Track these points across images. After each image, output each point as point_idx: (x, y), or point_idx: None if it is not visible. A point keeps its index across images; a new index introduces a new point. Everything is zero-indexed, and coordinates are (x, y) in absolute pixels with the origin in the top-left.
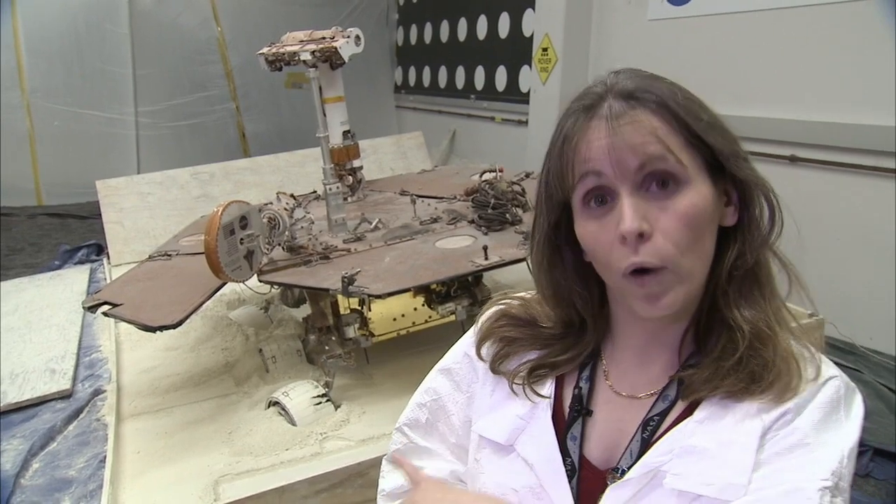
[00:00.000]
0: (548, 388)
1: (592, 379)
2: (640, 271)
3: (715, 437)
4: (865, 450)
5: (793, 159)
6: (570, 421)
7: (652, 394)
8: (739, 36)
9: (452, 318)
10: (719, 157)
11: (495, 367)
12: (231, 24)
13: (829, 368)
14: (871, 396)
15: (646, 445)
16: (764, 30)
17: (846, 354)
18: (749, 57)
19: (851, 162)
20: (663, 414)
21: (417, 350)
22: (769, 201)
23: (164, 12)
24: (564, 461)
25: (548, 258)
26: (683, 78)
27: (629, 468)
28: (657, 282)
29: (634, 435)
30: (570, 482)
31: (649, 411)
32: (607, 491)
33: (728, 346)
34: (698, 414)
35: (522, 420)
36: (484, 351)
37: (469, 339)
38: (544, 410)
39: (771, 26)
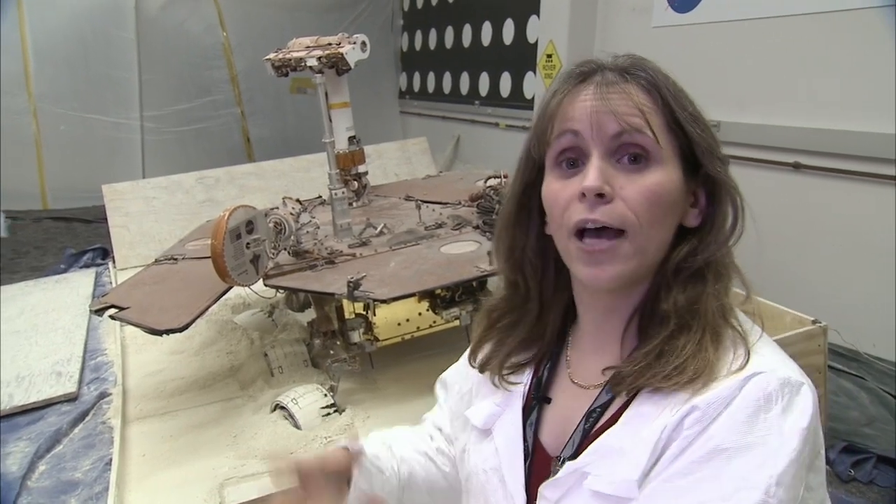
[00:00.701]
0: (525, 376)
1: (555, 366)
2: (593, 232)
3: (633, 436)
4: (869, 457)
5: (797, 166)
6: (530, 408)
7: (598, 385)
8: (743, 43)
9: (457, 322)
10: (696, 150)
11: (482, 370)
12: (237, 29)
13: (762, 362)
14: (875, 403)
15: (586, 436)
16: (767, 37)
17: (850, 361)
18: (753, 64)
19: (856, 169)
20: (605, 406)
21: (422, 355)
22: (735, 205)
23: (170, 18)
24: (525, 446)
25: (514, 215)
26: (687, 84)
27: (570, 458)
28: (608, 250)
29: (578, 425)
30: (524, 466)
31: (593, 402)
32: (540, 489)
33: (654, 335)
34: (626, 414)
35: (499, 407)
36: (478, 357)
37: None
38: (517, 398)
39: (774, 34)
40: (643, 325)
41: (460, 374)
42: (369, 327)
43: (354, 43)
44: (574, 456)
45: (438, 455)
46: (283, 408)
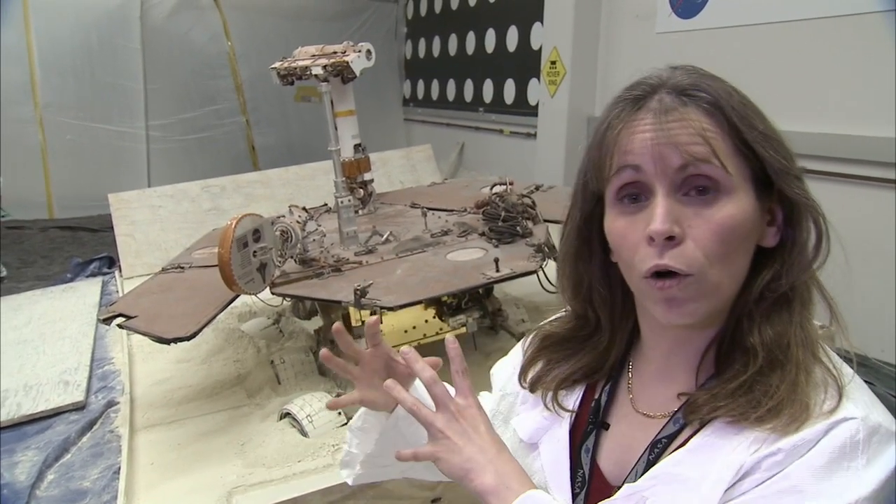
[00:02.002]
0: (574, 397)
1: (614, 391)
2: (663, 275)
3: (701, 466)
4: None
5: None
6: (586, 433)
7: (665, 415)
8: (747, 49)
9: (463, 330)
10: (769, 171)
11: (533, 389)
12: (241, 38)
13: (854, 407)
14: None
15: (650, 467)
16: (770, 42)
17: (858, 366)
18: (756, 69)
19: (860, 173)
20: (671, 437)
21: None
22: (818, 225)
23: (175, 27)
24: (577, 472)
25: (575, 249)
26: None
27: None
28: (679, 288)
29: (642, 456)
30: (580, 493)
31: (659, 433)
32: None
33: (740, 369)
34: (693, 441)
35: (546, 420)
36: (529, 375)
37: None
38: (565, 418)
39: (777, 39)
40: (721, 354)
41: (507, 375)
42: None
43: (360, 51)
44: None
45: None
46: (290, 416)
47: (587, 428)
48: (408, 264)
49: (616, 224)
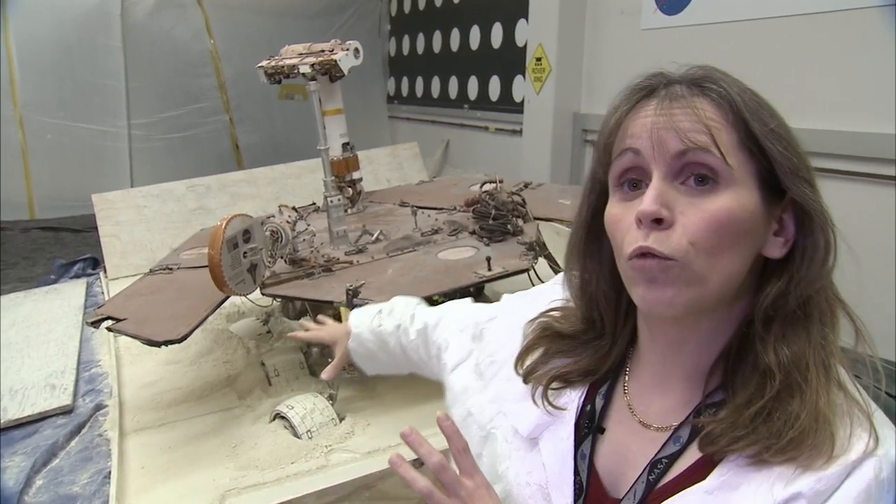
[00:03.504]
0: (574, 396)
1: (611, 395)
2: (646, 256)
3: None
4: None
5: None
6: (582, 437)
7: (664, 428)
8: (734, 45)
9: None
10: (777, 170)
11: (526, 379)
12: (224, 36)
13: (876, 443)
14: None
15: (650, 489)
16: (760, 39)
17: (853, 363)
18: (745, 66)
19: (857, 170)
20: (672, 458)
21: None
22: (826, 237)
23: (156, 25)
24: (574, 478)
25: (584, 245)
26: None
27: None
28: (660, 269)
29: (641, 475)
30: (579, 500)
31: (659, 451)
32: None
33: (756, 393)
34: (710, 481)
35: (547, 416)
36: (526, 362)
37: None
38: (570, 413)
39: (767, 35)
40: (728, 373)
41: (500, 337)
42: None
43: (347, 49)
44: None
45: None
46: (282, 417)
47: (583, 432)
48: (399, 263)
49: (613, 210)
